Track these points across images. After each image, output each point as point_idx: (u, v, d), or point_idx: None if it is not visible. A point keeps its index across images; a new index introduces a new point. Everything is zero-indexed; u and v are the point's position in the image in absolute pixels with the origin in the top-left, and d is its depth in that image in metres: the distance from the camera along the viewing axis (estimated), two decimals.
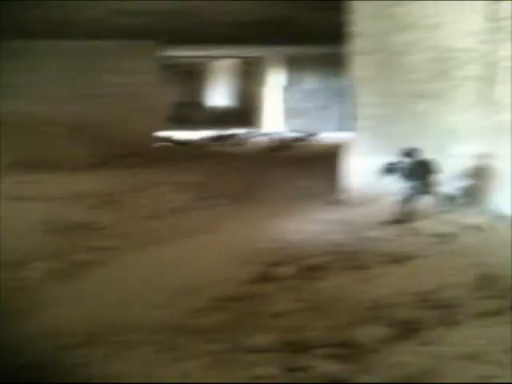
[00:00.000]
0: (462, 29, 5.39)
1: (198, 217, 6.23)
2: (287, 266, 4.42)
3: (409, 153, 5.25)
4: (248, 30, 9.74)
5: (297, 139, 14.35)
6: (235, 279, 4.24)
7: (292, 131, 15.41)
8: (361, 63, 6.61)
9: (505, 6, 4.89)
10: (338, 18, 7.71)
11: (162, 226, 5.86)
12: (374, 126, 6.53)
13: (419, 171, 5.19)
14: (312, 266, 4.41)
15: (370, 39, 6.41)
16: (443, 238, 4.68)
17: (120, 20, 8.42)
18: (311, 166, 9.76)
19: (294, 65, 16.25)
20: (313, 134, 14.93)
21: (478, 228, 4.81)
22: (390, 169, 5.38)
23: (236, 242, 5.13)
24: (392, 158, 5.43)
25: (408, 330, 3.18)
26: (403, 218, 5.20)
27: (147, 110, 11.36)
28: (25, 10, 7.58)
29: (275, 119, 16.48)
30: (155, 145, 11.58)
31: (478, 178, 5.25)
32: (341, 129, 15.27)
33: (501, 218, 4.89)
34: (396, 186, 5.72)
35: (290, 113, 16.29)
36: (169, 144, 12.73)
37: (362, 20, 6.45)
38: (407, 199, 5.25)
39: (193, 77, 22.28)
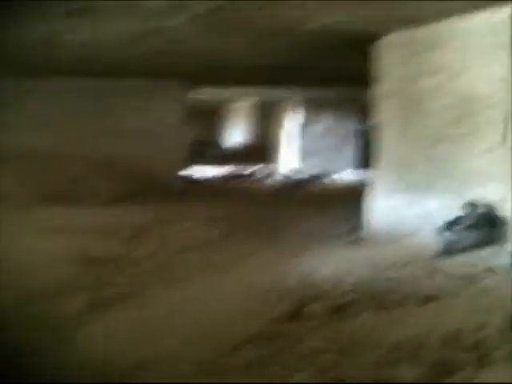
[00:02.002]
0: (483, 75, 5.51)
1: (227, 252, 6.33)
2: (314, 305, 4.47)
3: (473, 205, 5.31)
4: (268, 72, 9.96)
5: (313, 177, 14.50)
6: (264, 317, 4.30)
7: (308, 170, 15.56)
8: (383, 106, 6.84)
9: None
10: (353, 62, 7.99)
11: (193, 261, 5.96)
12: (393, 166, 6.67)
13: (483, 223, 5.24)
14: (338, 306, 4.44)
15: (393, 83, 6.63)
16: (467, 279, 4.72)
17: (148, 60, 8.61)
18: (329, 204, 9.81)
19: (310, 106, 16.54)
20: (328, 173, 15.10)
21: (497, 270, 4.85)
22: (451, 225, 5.43)
23: (263, 279, 5.19)
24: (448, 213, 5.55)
25: (441, 370, 3.23)
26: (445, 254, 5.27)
27: (171, 147, 11.67)
28: (49, 49, 7.78)
29: (291, 158, 16.66)
30: (177, 181, 11.72)
31: (498, 221, 5.30)
32: (356, 168, 15.58)
33: None
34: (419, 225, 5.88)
35: (306, 152, 16.49)
36: (189, 180, 12.86)
37: (387, 65, 6.69)
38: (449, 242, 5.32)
39: (211, 116, 22.58)
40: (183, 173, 12.74)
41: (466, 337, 3.62)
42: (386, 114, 6.77)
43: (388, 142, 6.76)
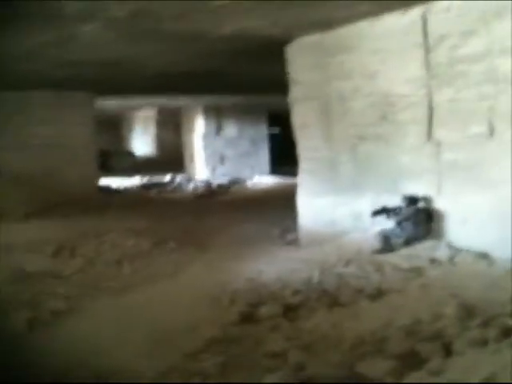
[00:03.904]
0: (400, 76, 5.66)
1: (162, 261, 6.19)
2: (266, 306, 4.43)
3: (408, 199, 5.41)
4: (177, 79, 9.87)
5: (226, 185, 14.52)
6: (218, 321, 4.22)
7: (217, 178, 15.56)
8: (300, 110, 6.86)
9: (438, 55, 5.25)
10: (266, 67, 8.05)
11: (129, 272, 5.78)
12: (317, 168, 6.72)
13: (416, 218, 5.35)
14: (291, 305, 4.44)
15: (309, 86, 6.66)
16: (414, 271, 4.83)
17: (56, 71, 8.32)
18: (254, 208, 9.87)
19: (214, 114, 16.56)
20: (239, 180, 15.18)
21: (439, 262, 5.00)
22: (381, 211, 5.51)
23: (208, 285, 5.11)
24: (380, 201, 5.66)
25: (410, 361, 3.27)
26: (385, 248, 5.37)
27: (82, 159, 11.35)
28: None
29: (200, 166, 16.59)
30: (93, 193, 11.36)
31: (428, 215, 5.47)
32: (271, 172, 15.81)
33: (456, 252, 5.11)
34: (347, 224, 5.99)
35: (213, 160, 16.48)
36: (104, 191, 12.52)
37: (301, 68, 6.71)
38: (387, 237, 5.42)
39: (116, 126, 22.14)
40: (99, 183, 12.41)
41: (426, 327, 3.69)
42: (306, 116, 6.78)
43: (310, 144, 6.79)
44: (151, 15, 5.28)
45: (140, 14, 5.19)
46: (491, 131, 4.91)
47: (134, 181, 15.27)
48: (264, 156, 17.04)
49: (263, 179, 15.43)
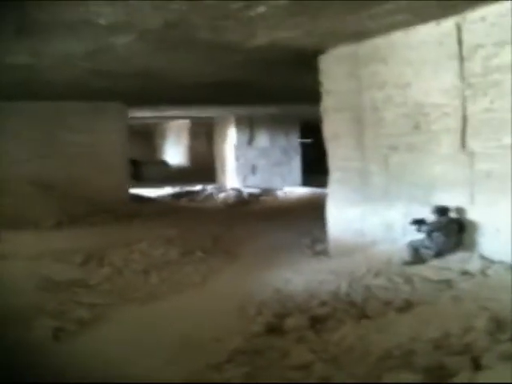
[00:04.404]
0: (434, 86, 5.59)
1: (190, 271, 6.17)
2: (293, 318, 4.40)
3: (439, 210, 5.33)
4: (211, 91, 9.92)
5: (257, 194, 14.50)
6: (244, 332, 4.20)
7: (248, 187, 15.55)
8: (331, 120, 6.81)
9: (472, 65, 5.16)
10: (292, 79, 8.00)
11: (156, 281, 5.78)
12: (347, 177, 6.65)
13: (447, 229, 5.26)
14: (318, 317, 4.40)
15: (340, 97, 6.62)
16: (444, 283, 4.73)
17: (91, 81, 8.41)
18: (281, 219, 9.84)
19: (247, 124, 16.57)
20: (270, 190, 15.16)
21: (471, 274, 4.89)
22: (418, 222, 5.43)
23: (235, 295, 5.10)
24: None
25: (438, 375, 3.19)
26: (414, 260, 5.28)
27: (114, 168, 11.46)
28: None
29: (232, 176, 16.62)
30: (124, 202, 11.44)
31: (460, 226, 5.37)
32: (302, 182, 15.75)
33: (488, 264, 5.00)
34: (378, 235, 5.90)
35: (245, 170, 16.49)
36: (135, 200, 12.60)
37: (332, 80, 6.68)
38: (416, 248, 5.34)
39: (149, 136, 22.37)
40: (131, 192, 12.50)
41: (455, 341, 3.60)
42: (338, 126, 6.73)
43: (341, 154, 6.73)
44: (185, 26, 5.29)
45: (174, 25, 5.21)
46: None
47: (166, 190, 15.35)
48: (296, 166, 17.00)
49: (294, 189, 15.38)
